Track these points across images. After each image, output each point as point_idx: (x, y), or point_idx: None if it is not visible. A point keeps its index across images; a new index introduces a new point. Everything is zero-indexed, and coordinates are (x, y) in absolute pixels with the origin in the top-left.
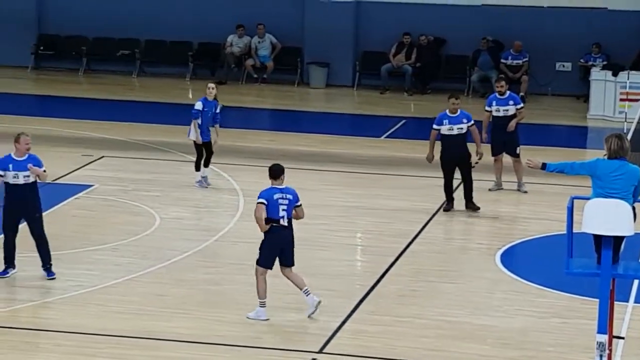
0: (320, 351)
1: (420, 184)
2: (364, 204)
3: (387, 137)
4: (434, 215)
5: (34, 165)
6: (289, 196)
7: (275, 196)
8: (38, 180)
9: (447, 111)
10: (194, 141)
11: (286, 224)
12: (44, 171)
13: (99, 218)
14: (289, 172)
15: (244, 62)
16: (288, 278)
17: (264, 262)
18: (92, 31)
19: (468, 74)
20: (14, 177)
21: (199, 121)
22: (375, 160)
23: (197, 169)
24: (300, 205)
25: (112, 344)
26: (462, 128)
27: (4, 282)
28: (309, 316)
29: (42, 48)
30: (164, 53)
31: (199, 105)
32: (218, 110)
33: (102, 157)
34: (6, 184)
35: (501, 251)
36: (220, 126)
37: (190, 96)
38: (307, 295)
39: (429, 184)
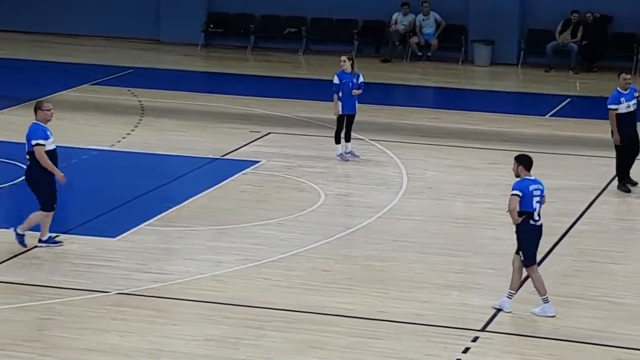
0: (483, 329)
1: (586, 163)
2: None
3: (552, 115)
4: (599, 194)
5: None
6: (541, 187)
7: (531, 187)
8: None
9: (619, 89)
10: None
11: (538, 217)
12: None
13: (265, 194)
14: (453, 150)
15: (408, 40)
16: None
17: (530, 260)
18: (259, 9)
19: (635, 51)
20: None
21: (340, 94)
22: (540, 139)
23: (337, 141)
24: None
25: (279, 317)
26: (635, 104)
27: (175, 254)
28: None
29: (211, 26)
30: (329, 31)
31: (336, 80)
32: (361, 80)
33: (269, 133)
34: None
35: None
36: (384, 104)
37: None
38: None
39: (594, 163)
